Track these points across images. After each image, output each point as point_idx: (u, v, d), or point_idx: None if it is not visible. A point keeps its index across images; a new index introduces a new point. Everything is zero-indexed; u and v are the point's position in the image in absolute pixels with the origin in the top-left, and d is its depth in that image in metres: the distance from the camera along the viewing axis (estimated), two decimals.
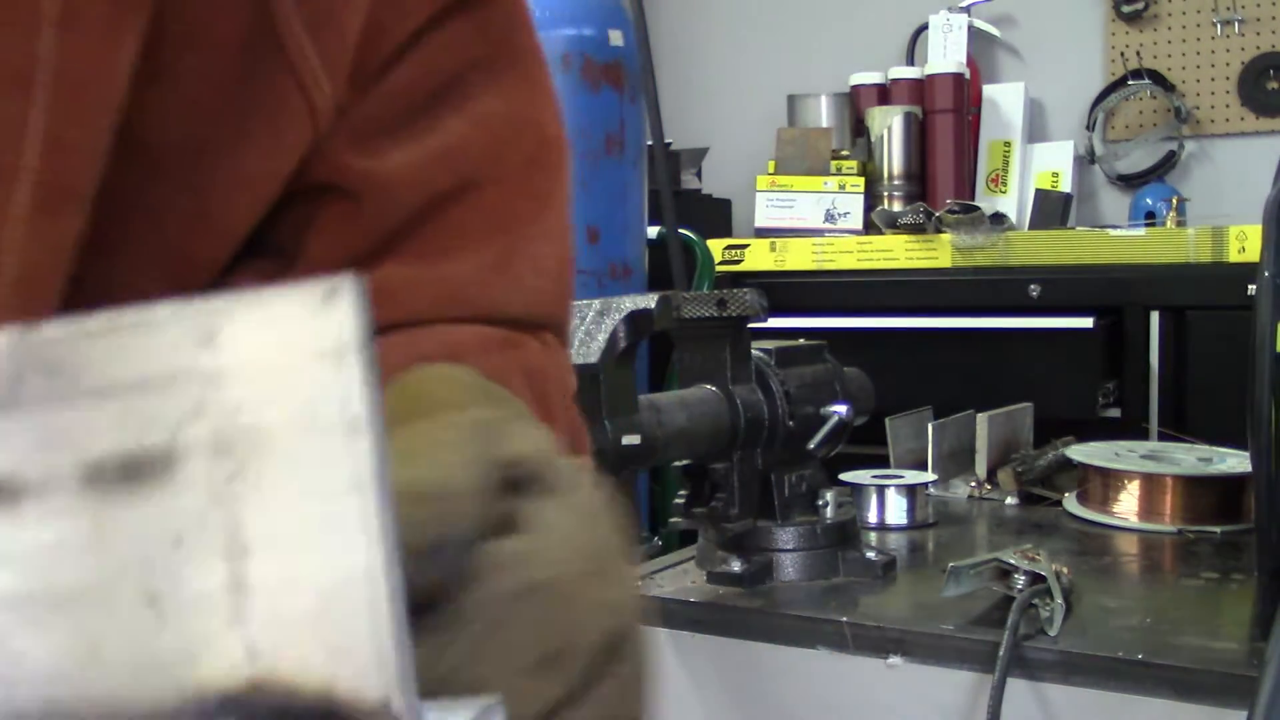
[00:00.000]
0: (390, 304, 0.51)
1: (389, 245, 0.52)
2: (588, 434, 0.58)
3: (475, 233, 0.53)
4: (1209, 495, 1.43)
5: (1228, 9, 2.59)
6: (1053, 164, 2.66)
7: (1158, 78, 2.66)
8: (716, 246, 2.44)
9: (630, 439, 1.05)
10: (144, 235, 0.48)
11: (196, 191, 0.49)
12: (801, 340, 1.35)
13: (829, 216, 2.57)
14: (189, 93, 0.48)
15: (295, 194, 0.52)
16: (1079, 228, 2.47)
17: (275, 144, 0.49)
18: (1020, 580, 1.08)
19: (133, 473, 0.27)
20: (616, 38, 2.07)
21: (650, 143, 2.25)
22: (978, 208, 2.30)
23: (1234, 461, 1.46)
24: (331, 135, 0.51)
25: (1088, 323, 2.11)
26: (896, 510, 1.47)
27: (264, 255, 0.53)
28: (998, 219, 2.31)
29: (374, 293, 0.53)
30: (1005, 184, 2.66)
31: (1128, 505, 1.46)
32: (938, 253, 2.30)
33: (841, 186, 2.59)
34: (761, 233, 2.58)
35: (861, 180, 2.58)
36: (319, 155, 0.51)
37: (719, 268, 2.43)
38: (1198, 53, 2.64)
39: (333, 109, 0.51)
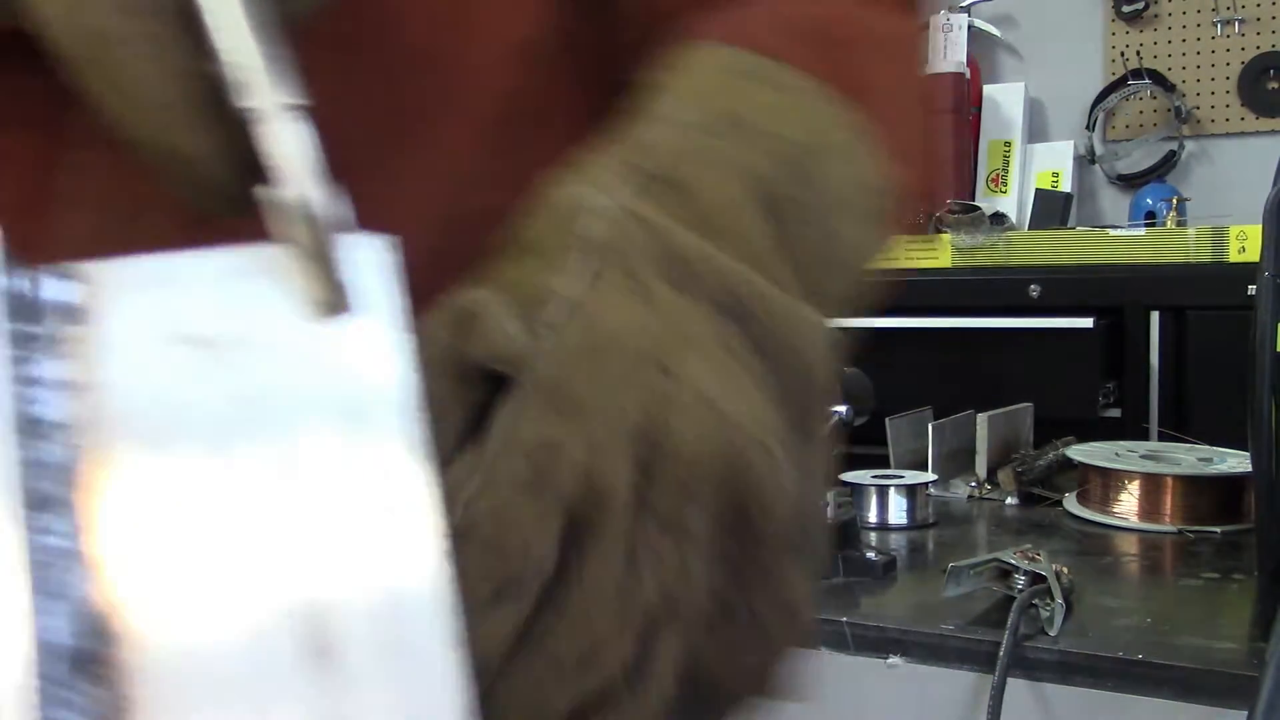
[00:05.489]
0: None
1: None
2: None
3: None
4: (1209, 495, 1.43)
5: (1228, 9, 2.59)
6: (1053, 164, 2.66)
7: (1158, 78, 2.66)
8: None
9: None
10: None
11: None
12: None
13: None
14: None
15: None
16: (1079, 228, 2.47)
17: None
18: (1020, 580, 1.08)
19: None
20: None
21: None
22: (978, 208, 2.30)
23: (1234, 461, 1.46)
24: None
25: (1088, 323, 2.11)
26: (896, 510, 1.47)
27: None
28: (998, 219, 2.31)
29: None
30: (1005, 184, 2.65)
31: (1128, 505, 1.46)
32: (938, 253, 2.30)
33: None
34: None
35: None
36: None
37: None
38: (1198, 53, 2.64)
39: None
